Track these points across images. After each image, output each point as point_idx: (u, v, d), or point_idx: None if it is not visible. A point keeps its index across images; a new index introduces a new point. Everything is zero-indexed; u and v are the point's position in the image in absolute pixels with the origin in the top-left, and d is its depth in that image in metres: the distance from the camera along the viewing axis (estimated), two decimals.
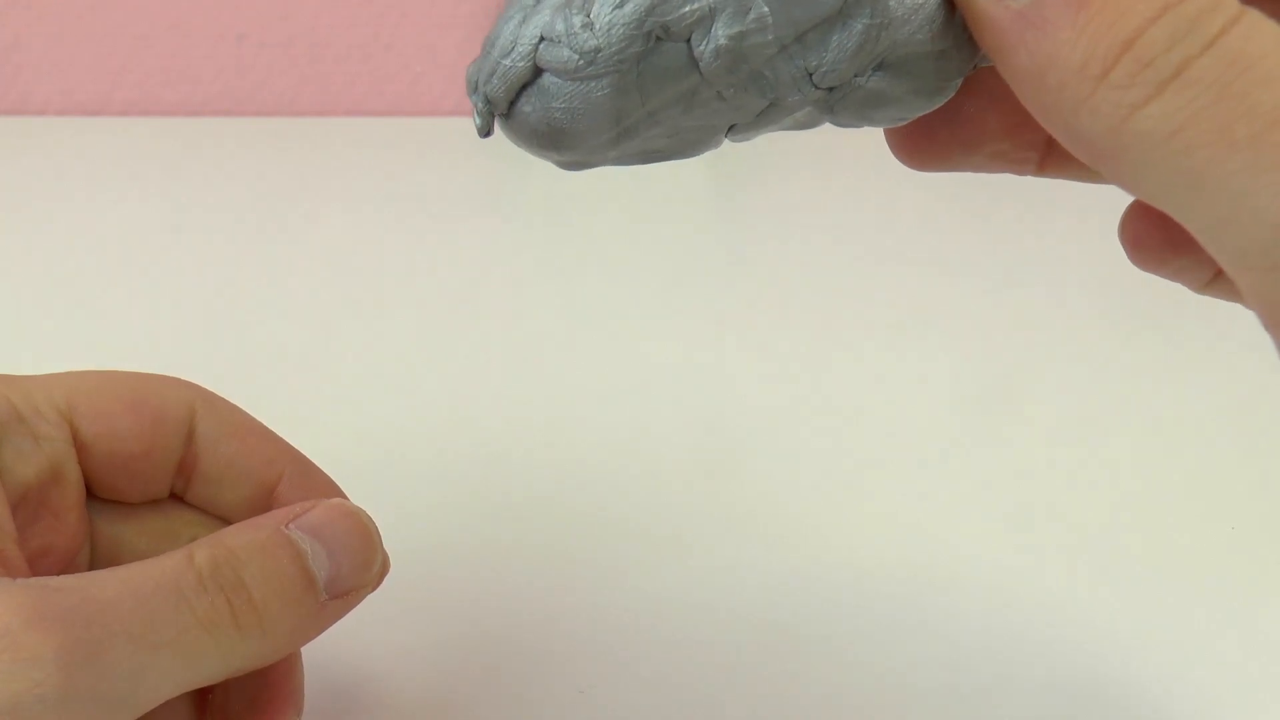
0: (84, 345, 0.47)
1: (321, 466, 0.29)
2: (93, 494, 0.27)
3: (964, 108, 0.23)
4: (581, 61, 0.19)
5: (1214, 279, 0.24)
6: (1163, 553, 0.37)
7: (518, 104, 0.20)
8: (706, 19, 0.19)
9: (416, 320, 0.50)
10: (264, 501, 0.28)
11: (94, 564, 0.28)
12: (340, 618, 0.25)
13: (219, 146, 0.68)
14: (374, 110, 0.72)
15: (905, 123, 0.21)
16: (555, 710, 0.31)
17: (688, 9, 0.19)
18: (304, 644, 0.25)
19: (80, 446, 0.26)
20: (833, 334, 0.49)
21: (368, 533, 0.25)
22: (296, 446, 0.29)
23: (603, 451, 0.41)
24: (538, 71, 0.20)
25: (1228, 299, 0.24)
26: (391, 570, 0.28)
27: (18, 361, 0.46)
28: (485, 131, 0.21)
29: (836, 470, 0.41)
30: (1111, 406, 0.45)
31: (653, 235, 0.59)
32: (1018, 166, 0.24)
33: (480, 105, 0.21)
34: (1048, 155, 0.24)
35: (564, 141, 0.20)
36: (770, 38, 0.19)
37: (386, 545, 0.27)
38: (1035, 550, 0.37)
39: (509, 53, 0.20)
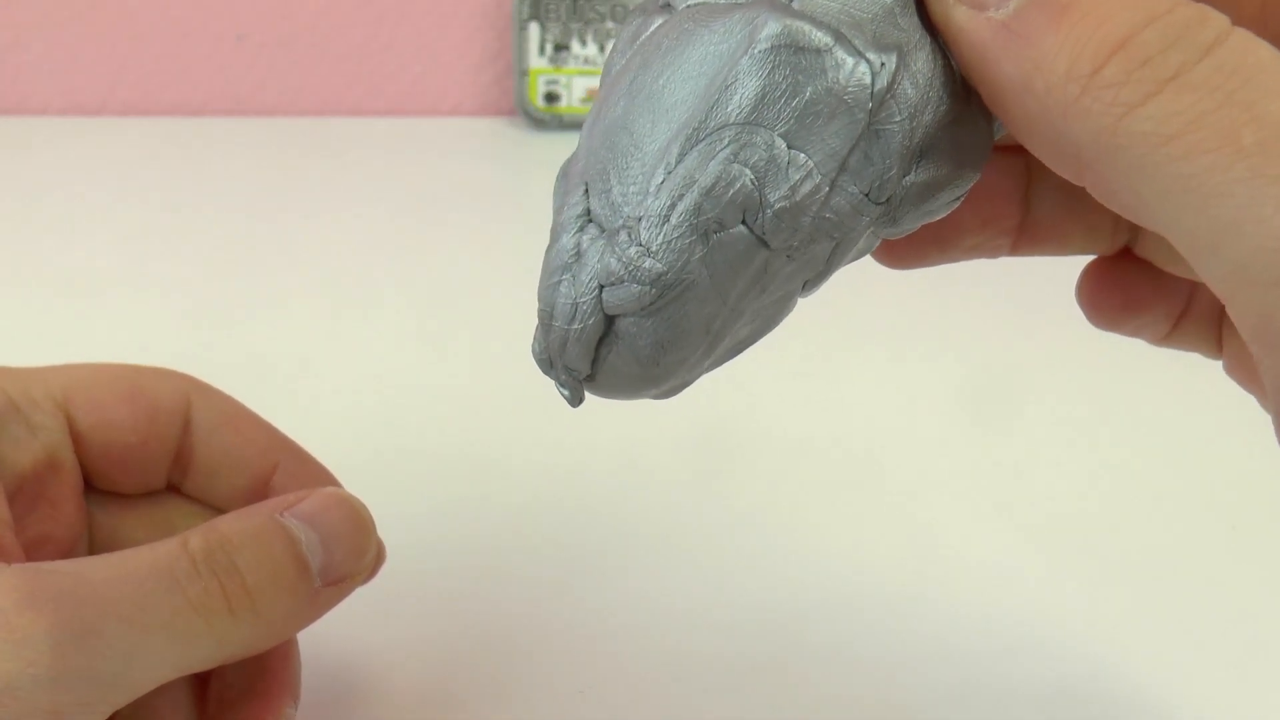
0: (84, 344, 0.47)
1: (322, 464, 0.29)
2: (90, 485, 0.27)
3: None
4: (653, 291, 0.18)
5: (1172, 331, 0.24)
6: (1163, 553, 0.37)
7: (600, 361, 0.19)
8: (754, 193, 0.18)
9: (416, 320, 0.50)
10: (260, 491, 0.28)
11: (92, 554, 0.28)
12: (334, 605, 0.25)
13: (219, 146, 0.68)
14: (374, 110, 0.72)
15: (961, 201, 0.20)
16: (555, 710, 0.31)
17: (732, 192, 0.18)
18: (298, 630, 0.25)
19: (76, 437, 0.26)
20: (833, 334, 0.49)
21: (361, 520, 0.25)
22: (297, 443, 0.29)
23: (604, 451, 0.41)
24: (610, 320, 0.19)
25: (1186, 349, 0.25)
26: (391, 568, 0.28)
27: (18, 360, 0.46)
28: (577, 402, 0.20)
29: (837, 471, 0.41)
30: (1112, 407, 0.45)
31: None
32: (991, 254, 0.25)
33: (563, 379, 0.20)
34: (1019, 239, 0.25)
35: (660, 375, 0.19)
36: (819, 179, 0.18)
37: (386, 543, 0.27)
38: (1035, 551, 0.37)
39: (573, 316, 0.19)
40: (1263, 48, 0.16)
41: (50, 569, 0.22)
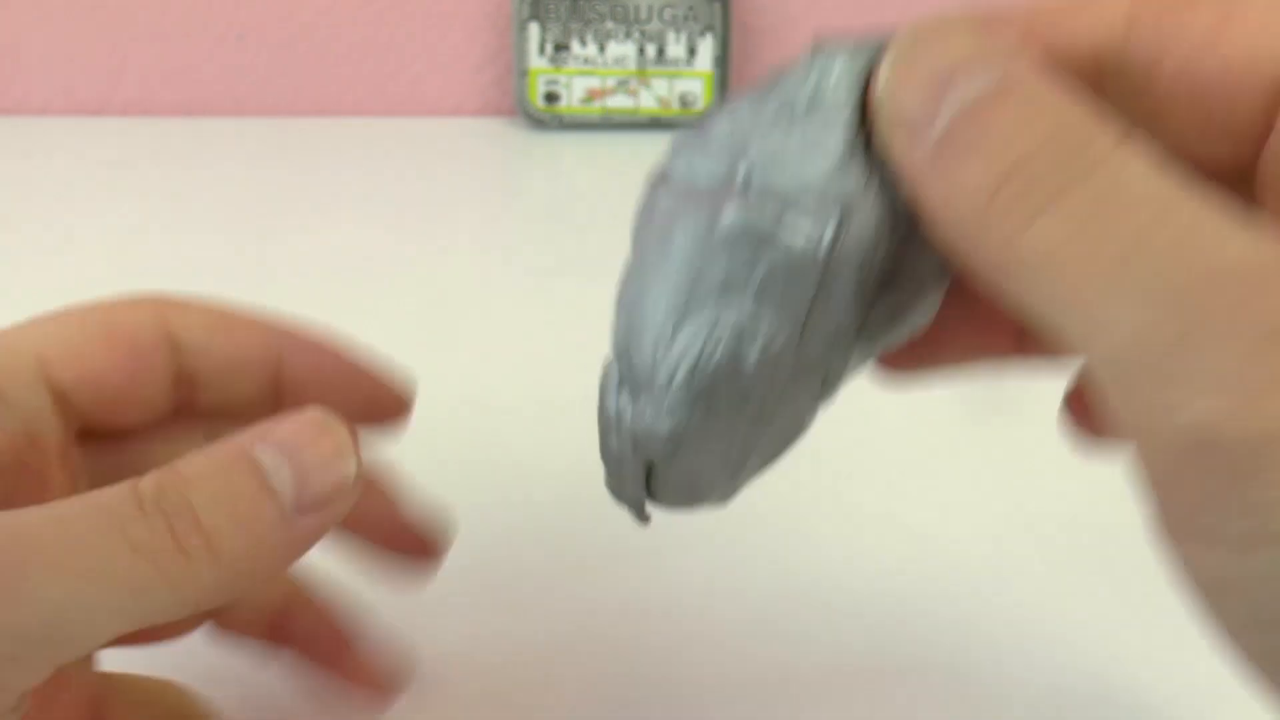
0: None
1: (327, 337, 0.28)
2: (90, 432, 0.26)
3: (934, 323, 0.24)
4: (668, 446, 0.22)
5: None
6: (1162, 553, 0.37)
7: (652, 493, 0.24)
8: (734, 357, 0.21)
9: (416, 320, 0.50)
10: (273, 393, 0.27)
11: None
12: (319, 536, 0.23)
13: (219, 146, 0.68)
14: (374, 110, 0.72)
15: (936, 310, 0.23)
16: (555, 709, 0.31)
17: (715, 359, 0.21)
18: (279, 569, 0.23)
19: (61, 395, 0.25)
20: None
21: (338, 441, 0.23)
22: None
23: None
24: (650, 464, 0.23)
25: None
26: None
27: None
28: (644, 522, 0.25)
29: (837, 471, 0.41)
30: None
31: None
32: (994, 359, 0.26)
33: (632, 506, 0.24)
34: (1020, 343, 0.26)
35: (699, 498, 0.24)
36: (789, 332, 0.21)
37: None
38: (1034, 552, 0.37)
39: (621, 465, 0.24)
40: (1141, 160, 0.18)
41: None
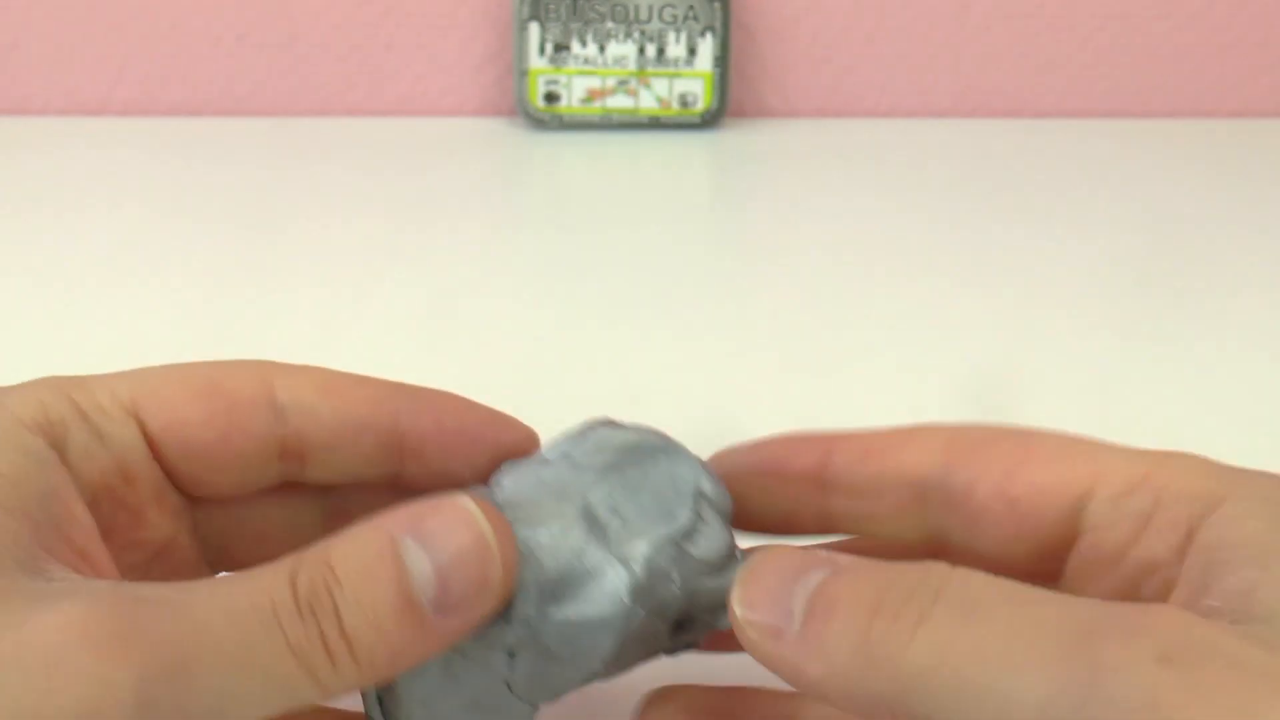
0: (84, 345, 0.47)
1: (441, 391, 0.28)
2: (188, 493, 0.26)
3: None
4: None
5: None
6: None
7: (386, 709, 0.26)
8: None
9: (416, 320, 0.50)
10: (393, 448, 0.27)
11: (204, 560, 0.27)
12: (457, 636, 0.23)
13: (219, 146, 0.68)
14: (374, 110, 0.72)
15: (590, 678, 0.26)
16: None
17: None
18: (415, 663, 0.23)
19: (151, 441, 0.25)
20: (834, 333, 0.50)
21: (486, 548, 0.23)
22: None
23: None
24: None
25: None
26: None
27: (18, 361, 0.46)
28: None
29: None
30: (1111, 405, 0.45)
31: (653, 235, 0.59)
32: None
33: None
34: None
35: None
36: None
37: None
38: None
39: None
40: (976, 577, 0.21)
41: (148, 597, 0.21)
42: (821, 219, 0.60)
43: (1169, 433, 0.43)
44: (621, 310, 0.51)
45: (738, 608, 0.23)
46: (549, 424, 0.43)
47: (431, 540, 0.23)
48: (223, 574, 0.23)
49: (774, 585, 0.23)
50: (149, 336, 0.48)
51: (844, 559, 0.23)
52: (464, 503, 0.23)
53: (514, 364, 0.47)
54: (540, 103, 0.69)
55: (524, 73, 0.69)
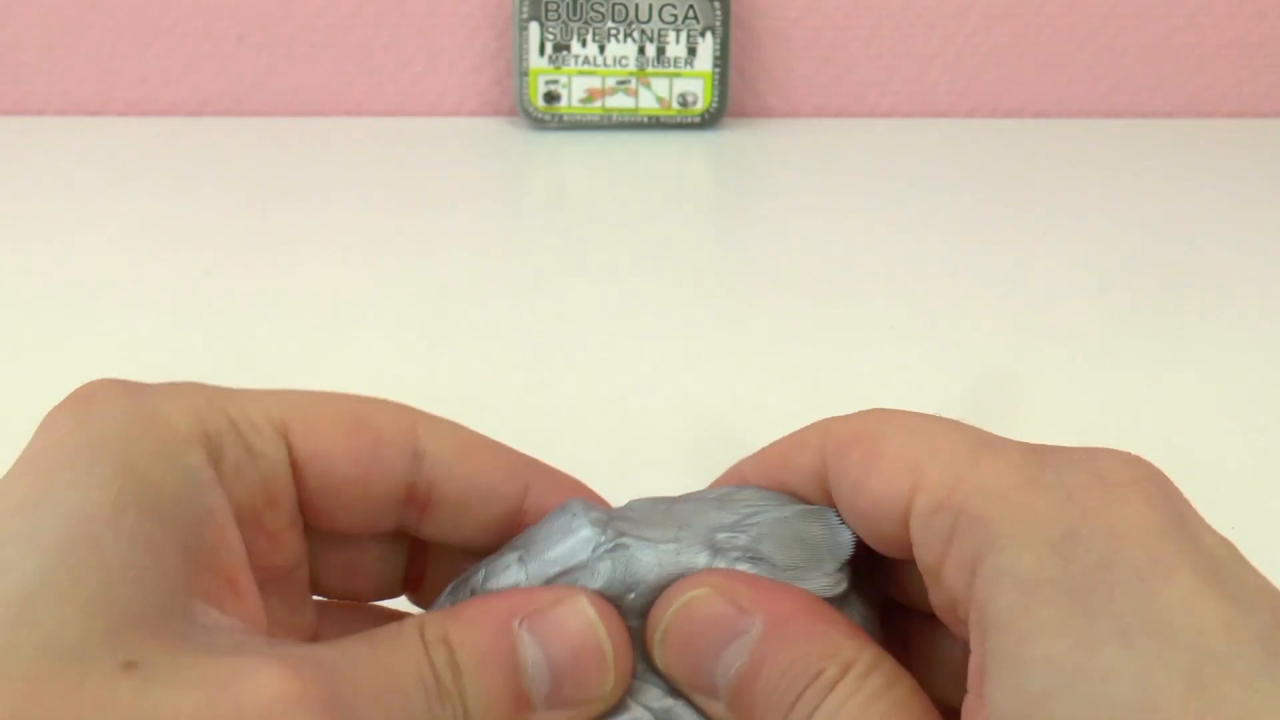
0: (84, 345, 0.47)
1: (570, 475, 0.28)
2: (310, 524, 0.26)
3: None
4: None
5: None
6: None
7: None
8: None
9: (416, 320, 0.50)
10: (514, 519, 0.27)
11: (315, 592, 0.27)
12: None
13: (219, 146, 0.68)
14: (374, 110, 0.72)
15: None
16: None
17: None
18: None
19: (295, 465, 0.24)
20: (833, 333, 0.50)
21: (600, 651, 0.23)
22: None
23: (602, 449, 0.41)
24: None
25: None
26: None
27: (19, 362, 0.46)
28: None
29: None
30: (1111, 405, 0.45)
31: (653, 235, 0.59)
32: None
33: None
34: None
35: None
36: None
37: None
38: None
39: None
40: (872, 652, 0.22)
41: (329, 661, 0.21)
42: (821, 219, 0.60)
43: (1168, 432, 0.43)
44: (621, 310, 0.51)
45: (658, 660, 0.24)
46: (549, 423, 0.43)
47: (547, 634, 0.23)
48: (360, 634, 0.23)
49: (697, 659, 0.23)
50: (149, 336, 0.48)
51: (761, 617, 0.23)
52: (581, 600, 0.23)
53: (514, 363, 0.47)
54: (540, 103, 0.69)
55: (524, 73, 0.69)
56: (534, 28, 0.68)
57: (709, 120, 0.69)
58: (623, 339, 0.48)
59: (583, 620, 0.23)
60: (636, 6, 0.68)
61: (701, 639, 0.23)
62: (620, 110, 0.69)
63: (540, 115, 0.69)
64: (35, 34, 0.70)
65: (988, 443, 0.23)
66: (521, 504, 0.26)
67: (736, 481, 0.27)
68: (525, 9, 0.68)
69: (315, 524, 0.26)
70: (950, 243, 0.58)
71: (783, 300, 0.52)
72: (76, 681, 0.18)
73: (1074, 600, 0.19)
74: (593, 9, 0.68)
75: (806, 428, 0.26)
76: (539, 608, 0.23)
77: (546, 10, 0.68)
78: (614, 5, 0.68)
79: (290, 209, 0.60)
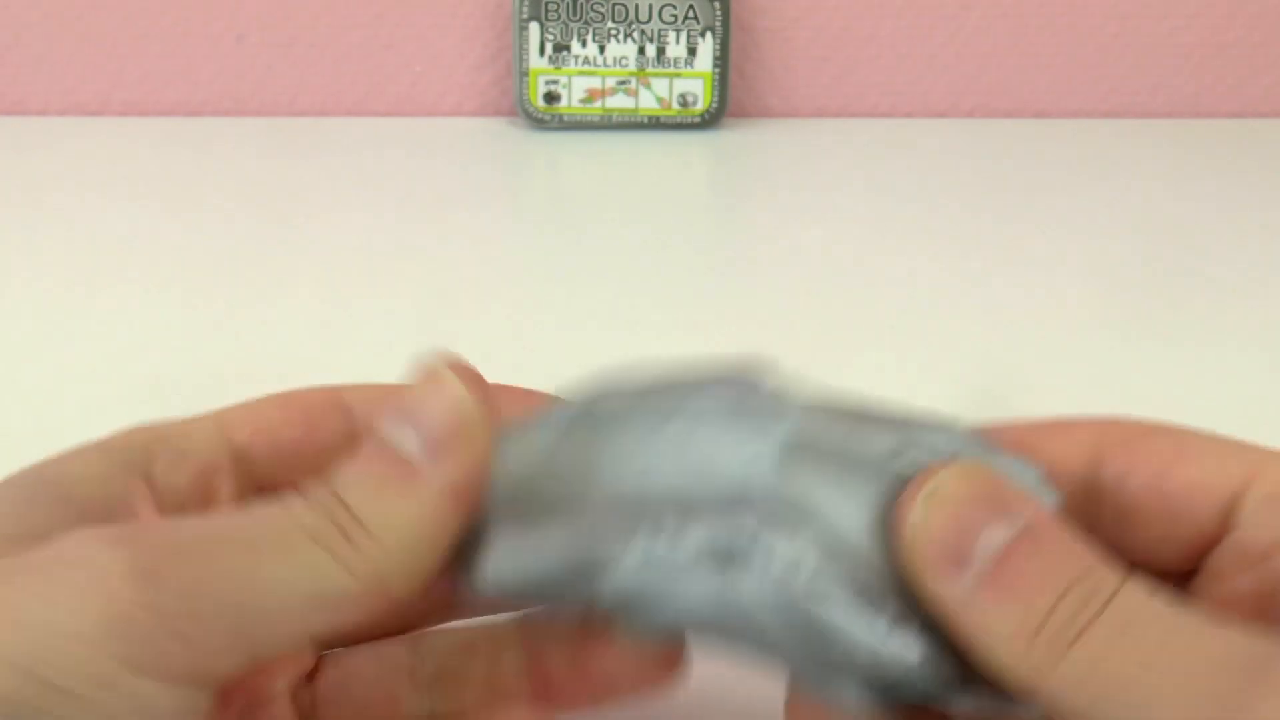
0: (84, 345, 0.47)
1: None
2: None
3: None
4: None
5: None
6: None
7: None
8: None
9: (417, 320, 0.50)
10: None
11: None
12: (465, 484, 0.24)
13: (219, 146, 0.68)
14: (374, 110, 0.72)
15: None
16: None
17: None
18: (441, 531, 0.24)
19: (239, 452, 0.26)
20: (833, 333, 0.50)
21: (447, 383, 0.24)
22: None
23: None
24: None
25: None
26: None
27: (18, 362, 0.46)
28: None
29: None
30: (1110, 405, 0.45)
31: (653, 235, 0.59)
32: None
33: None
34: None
35: None
36: None
37: None
38: None
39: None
40: (1139, 594, 0.22)
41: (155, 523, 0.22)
42: (821, 219, 0.60)
43: None
44: (621, 310, 0.51)
45: (913, 521, 0.23)
46: None
47: (403, 409, 0.24)
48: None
49: (958, 525, 0.23)
50: (149, 336, 0.48)
51: (1039, 516, 0.23)
52: (429, 365, 0.25)
53: (513, 363, 0.47)
54: (540, 103, 0.69)
55: (524, 73, 0.69)
56: (534, 28, 0.68)
57: (709, 120, 0.69)
58: (622, 338, 0.48)
59: (426, 374, 0.24)
60: (636, 7, 0.68)
61: (970, 505, 0.23)
62: (620, 110, 0.69)
63: (540, 115, 0.69)
64: (35, 34, 0.70)
65: None
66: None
67: None
68: (525, 9, 0.68)
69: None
70: (949, 242, 0.58)
71: (783, 300, 0.52)
72: None
73: None
74: (593, 9, 0.68)
75: (1052, 419, 0.27)
76: (396, 398, 0.24)
77: (546, 10, 0.68)
78: (614, 5, 0.68)
79: (290, 209, 0.60)
